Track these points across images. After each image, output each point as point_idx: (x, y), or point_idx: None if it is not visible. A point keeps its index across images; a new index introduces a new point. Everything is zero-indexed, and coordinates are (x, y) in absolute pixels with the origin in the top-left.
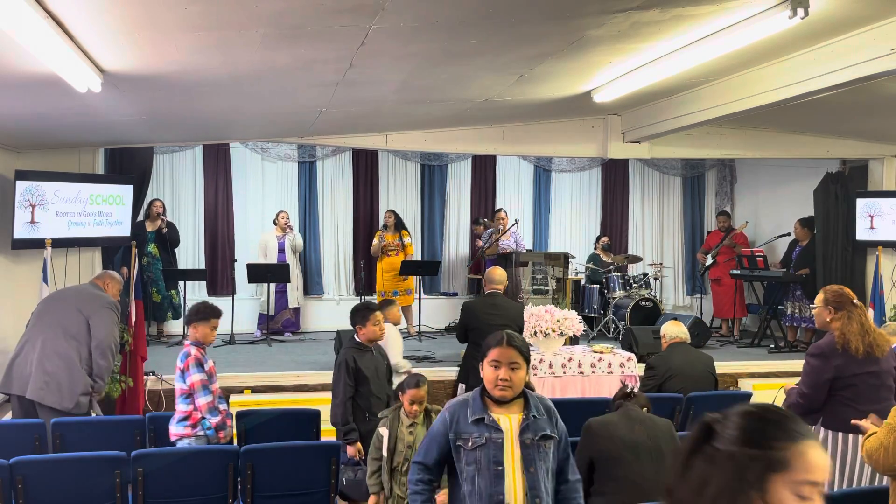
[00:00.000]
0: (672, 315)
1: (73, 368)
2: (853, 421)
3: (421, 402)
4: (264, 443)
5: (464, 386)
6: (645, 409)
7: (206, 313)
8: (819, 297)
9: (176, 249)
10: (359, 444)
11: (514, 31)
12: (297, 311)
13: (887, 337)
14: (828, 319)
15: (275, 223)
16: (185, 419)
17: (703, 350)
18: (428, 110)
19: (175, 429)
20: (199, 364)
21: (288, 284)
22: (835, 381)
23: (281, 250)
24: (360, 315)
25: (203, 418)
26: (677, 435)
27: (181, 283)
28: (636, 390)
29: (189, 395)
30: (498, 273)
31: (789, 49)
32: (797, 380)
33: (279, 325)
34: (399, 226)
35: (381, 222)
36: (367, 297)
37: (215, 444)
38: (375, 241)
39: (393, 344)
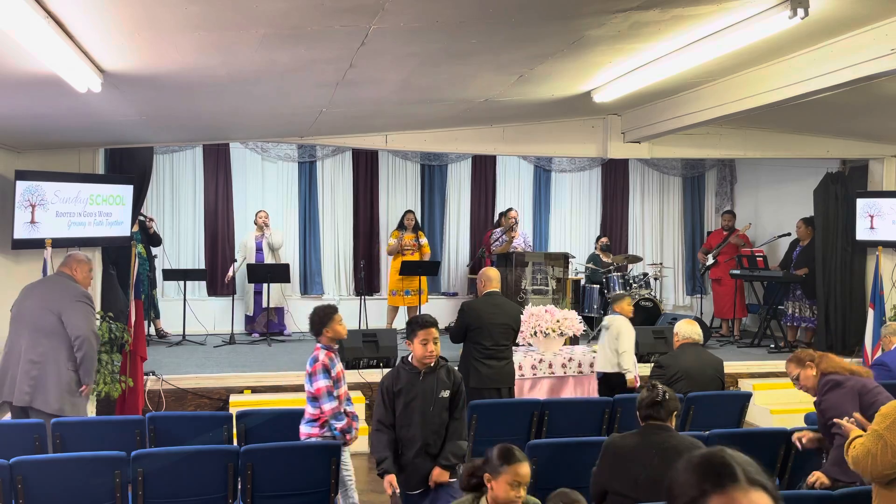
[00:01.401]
0: (672, 315)
1: (57, 368)
2: (835, 420)
3: (526, 486)
4: (264, 443)
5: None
6: (675, 413)
7: (329, 312)
8: (792, 367)
9: (157, 249)
10: (390, 478)
11: (514, 31)
12: (280, 311)
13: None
14: (814, 374)
15: (255, 223)
16: (314, 420)
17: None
18: (428, 110)
19: (304, 428)
20: (326, 370)
21: (264, 285)
22: (862, 399)
23: (259, 250)
24: (409, 329)
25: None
26: None
27: (179, 284)
28: (666, 395)
29: (316, 399)
30: (494, 272)
31: (789, 49)
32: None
33: (262, 327)
34: (417, 227)
35: (399, 222)
36: (365, 297)
37: (343, 444)
38: (393, 240)
39: (625, 336)
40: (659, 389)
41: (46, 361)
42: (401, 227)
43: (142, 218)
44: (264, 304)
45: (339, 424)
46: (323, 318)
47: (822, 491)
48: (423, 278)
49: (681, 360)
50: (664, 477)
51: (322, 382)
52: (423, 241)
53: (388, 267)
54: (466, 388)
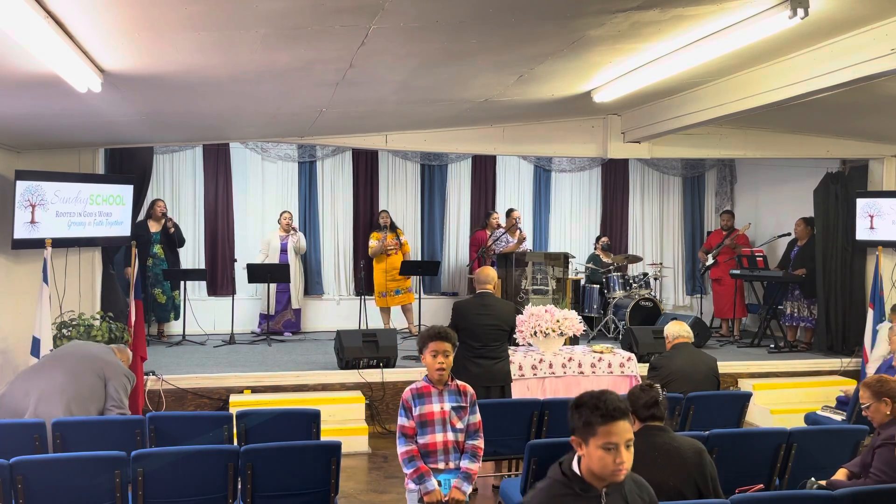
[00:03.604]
0: (672, 315)
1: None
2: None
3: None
4: (264, 443)
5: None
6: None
7: (424, 337)
8: (867, 396)
9: (180, 249)
10: None
11: (514, 31)
12: (297, 311)
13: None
14: (888, 412)
15: (279, 223)
16: None
17: (704, 350)
18: (428, 110)
19: None
20: (405, 409)
21: (290, 285)
22: None
23: (283, 251)
24: (582, 415)
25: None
26: (708, 462)
27: (181, 283)
28: (664, 397)
29: None
30: (487, 273)
31: (789, 49)
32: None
33: (279, 325)
34: (394, 226)
35: (380, 224)
36: (365, 297)
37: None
38: (375, 242)
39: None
40: (657, 389)
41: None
42: (379, 227)
43: (164, 218)
44: (290, 305)
45: (406, 470)
46: (420, 340)
47: (821, 491)
48: (410, 279)
49: (674, 361)
50: (667, 479)
51: (398, 420)
52: (403, 238)
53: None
54: None
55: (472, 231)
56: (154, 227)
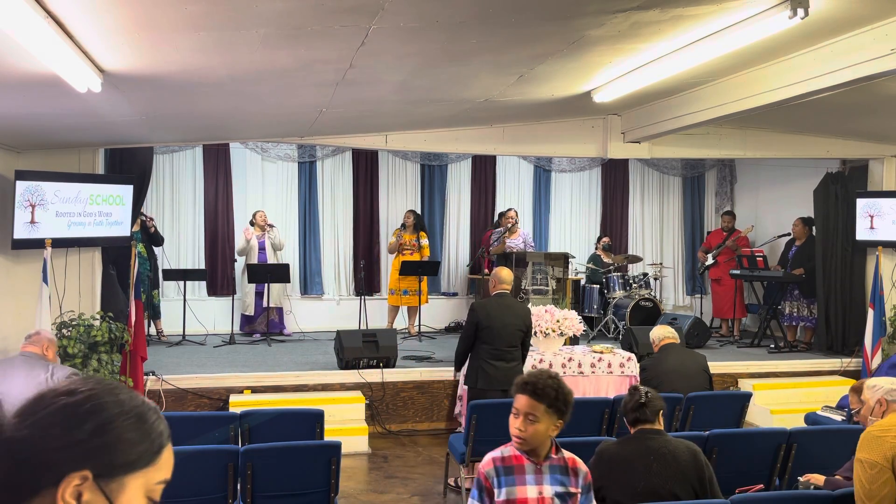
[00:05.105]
0: (672, 315)
1: None
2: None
3: None
4: (264, 443)
5: (466, 388)
6: (661, 412)
7: (516, 384)
8: (854, 399)
9: (159, 249)
10: None
11: (514, 31)
12: (279, 310)
13: None
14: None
15: (252, 223)
16: None
17: (703, 350)
18: (428, 110)
19: None
20: (482, 490)
21: (265, 285)
22: None
23: (262, 249)
24: None
25: None
26: (704, 463)
27: (179, 284)
28: (649, 395)
29: None
30: (506, 273)
31: (789, 49)
32: None
33: (263, 326)
34: (418, 227)
35: (401, 222)
36: (365, 297)
37: None
38: (393, 239)
39: None
40: (641, 391)
41: None
42: (402, 226)
43: (142, 217)
44: (265, 304)
45: None
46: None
47: (821, 491)
48: (424, 278)
49: (663, 362)
50: (664, 483)
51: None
52: (424, 241)
53: (389, 266)
54: (474, 390)
55: (485, 230)
56: (133, 227)
